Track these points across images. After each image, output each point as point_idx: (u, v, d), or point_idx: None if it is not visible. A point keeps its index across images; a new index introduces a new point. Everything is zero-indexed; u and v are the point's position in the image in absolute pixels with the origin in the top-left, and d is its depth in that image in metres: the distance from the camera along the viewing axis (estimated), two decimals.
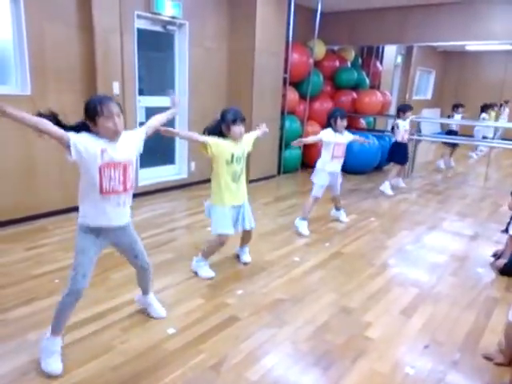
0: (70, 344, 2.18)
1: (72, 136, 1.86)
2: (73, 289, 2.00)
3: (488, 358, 2.22)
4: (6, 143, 3.74)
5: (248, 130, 3.01)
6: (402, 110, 5.69)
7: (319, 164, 4.07)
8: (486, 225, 4.57)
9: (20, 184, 3.90)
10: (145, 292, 2.48)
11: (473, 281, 3.19)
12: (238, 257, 3.37)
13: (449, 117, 8.24)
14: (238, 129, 2.84)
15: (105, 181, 1.94)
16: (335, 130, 3.98)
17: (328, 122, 4.02)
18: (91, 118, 1.91)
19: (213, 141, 2.84)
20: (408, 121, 5.70)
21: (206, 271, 3.05)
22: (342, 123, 3.96)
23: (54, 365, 1.98)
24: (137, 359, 2.10)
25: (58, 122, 1.90)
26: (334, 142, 3.95)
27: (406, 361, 2.19)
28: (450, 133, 7.85)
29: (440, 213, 4.95)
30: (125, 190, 2.02)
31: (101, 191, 1.94)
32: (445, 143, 7.88)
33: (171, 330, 2.35)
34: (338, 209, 4.46)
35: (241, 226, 3.07)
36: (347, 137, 4.12)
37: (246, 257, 3.32)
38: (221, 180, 2.90)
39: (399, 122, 5.63)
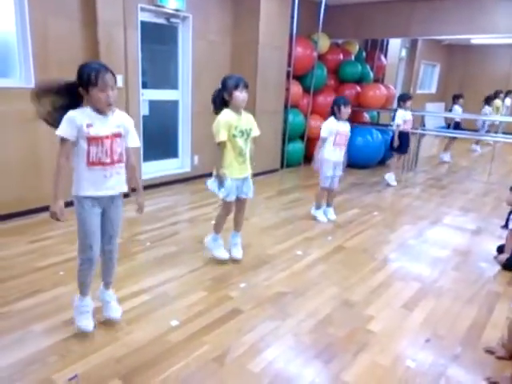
0: (74, 335, 2.20)
1: (62, 132, 1.93)
2: (84, 259, 2.11)
3: (490, 352, 2.23)
4: (10, 137, 3.75)
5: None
6: (402, 99, 5.71)
7: (323, 153, 4.05)
8: (488, 219, 4.57)
9: (24, 177, 3.91)
10: (106, 285, 2.35)
11: (475, 275, 3.20)
12: (229, 251, 3.23)
13: (450, 110, 8.20)
14: (240, 94, 2.79)
15: (91, 153, 1.98)
16: (338, 118, 3.97)
17: (331, 110, 4.01)
18: (84, 86, 1.92)
19: (222, 118, 2.80)
20: (409, 112, 5.69)
21: (220, 252, 3.14)
22: (346, 110, 3.95)
23: (85, 321, 2.17)
24: (141, 351, 2.12)
25: (58, 91, 1.95)
26: (336, 129, 3.95)
27: (407, 354, 2.20)
28: (457, 125, 7.84)
29: (443, 207, 4.95)
30: (112, 162, 2.04)
31: (87, 162, 1.99)
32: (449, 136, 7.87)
33: (174, 322, 2.37)
34: (328, 205, 4.35)
35: (241, 194, 3.07)
36: (347, 125, 4.09)
37: (237, 251, 3.21)
38: (227, 154, 2.89)
39: (399, 110, 5.65)
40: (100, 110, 1.99)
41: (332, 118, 3.99)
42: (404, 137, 5.75)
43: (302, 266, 3.20)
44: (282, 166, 6.55)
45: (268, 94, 5.87)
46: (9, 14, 3.67)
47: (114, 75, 1.99)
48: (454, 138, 7.82)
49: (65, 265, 2.99)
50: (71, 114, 1.95)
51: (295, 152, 6.68)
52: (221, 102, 2.85)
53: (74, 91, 1.97)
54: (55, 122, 1.97)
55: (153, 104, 5.07)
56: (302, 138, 6.76)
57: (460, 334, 2.41)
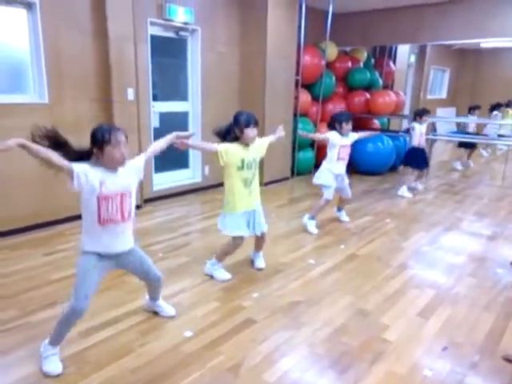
0: (89, 347, 2.22)
1: (75, 167, 1.92)
2: (74, 309, 2.02)
3: (508, 360, 2.18)
4: (24, 152, 3.82)
5: (261, 132, 3.03)
6: (419, 114, 5.59)
7: (325, 164, 4.10)
8: (504, 224, 4.50)
9: (39, 191, 3.98)
10: (154, 299, 2.52)
11: (492, 281, 3.14)
12: (252, 262, 3.37)
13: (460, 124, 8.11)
14: (251, 132, 2.84)
15: (103, 211, 1.99)
16: (341, 134, 4.00)
17: (333, 126, 4.04)
18: (98, 145, 1.95)
19: (223, 147, 2.83)
20: (425, 125, 5.60)
21: (221, 273, 3.08)
22: (348, 127, 3.99)
23: (53, 365, 2.04)
24: (155, 361, 2.13)
25: (57, 143, 1.99)
26: (339, 145, 3.99)
27: (424, 363, 2.17)
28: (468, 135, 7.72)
29: (457, 213, 4.89)
30: (122, 219, 2.06)
31: (99, 221, 2.00)
32: (462, 147, 7.73)
33: (188, 333, 2.38)
34: (339, 209, 4.45)
35: (252, 231, 3.06)
36: (352, 138, 4.13)
37: (260, 262, 3.29)
38: (233, 186, 2.89)
39: (415, 124, 5.54)
40: (112, 168, 2.00)
41: (335, 132, 4.02)
42: (420, 152, 5.64)
43: (315, 275, 3.19)
44: (292, 175, 6.55)
45: (277, 103, 5.90)
46: (22, 30, 3.76)
47: (125, 134, 2.02)
48: (473, 147, 7.71)
49: None
50: (86, 167, 1.95)
51: (305, 160, 6.68)
52: (231, 137, 2.88)
53: (83, 155, 2.00)
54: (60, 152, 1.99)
55: (163, 116, 5.13)
56: (312, 146, 6.77)
57: (477, 341, 2.37)
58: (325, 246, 3.79)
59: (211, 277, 3.08)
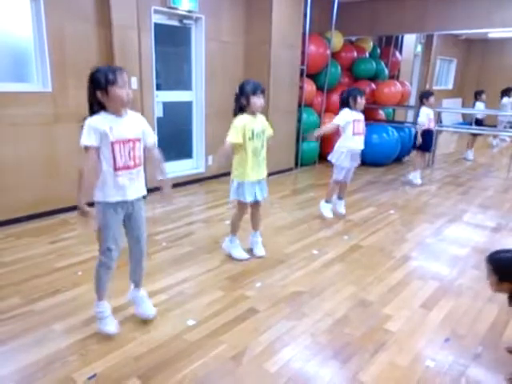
0: (92, 335, 2.24)
1: (86, 141, 1.94)
2: (103, 261, 2.13)
3: (511, 352, 2.18)
4: (29, 140, 3.83)
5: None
6: (425, 96, 5.53)
7: (341, 141, 3.99)
8: (509, 216, 4.47)
9: (43, 179, 3.99)
10: (137, 285, 2.42)
11: None
12: (251, 250, 3.36)
13: (473, 106, 8.00)
14: (258, 100, 2.85)
15: (117, 157, 2.00)
16: (353, 109, 3.90)
17: (345, 102, 3.92)
18: (102, 88, 1.91)
19: (239, 123, 2.85)
20: (431, 109, 5.55)
21: (239, 252, 3.18)
22: (362, 101, 3.89)
23: (109, 326, 2.20)
24: (158, 350, 2.14)
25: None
26: (352, 119, 3.89)
27: (426, 354, 2.17)
28: (477, 122, 7.66)
29: (461, 205, 4.86)
30: (135, 164, 2.07)
31: (114, 168, 2.01)
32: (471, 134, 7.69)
33: (191, 322, 2.39)
34: (340, 198, 4.33)
35: (256, 197, 3.10)
36: (362, 115, 4.03)
37: (259, 249, 3.30)
38: (243, 156, 2.94)
39: (423, 108, 5.49)
40: (117, 111, 2.00)
41: (347, 109, 3.91)
42: (428, 135, 5.60)
43: (318, 266, 3.19)
44: (296, 165, 6.53)
45: (281, 93, 5.86)
46: (26, 18, 3.74)
47: (127, 74, 2.01)
48: (476, 136, 7.64)
49: (83, 265, 3.03)
50: (92, 121, 1.96)
51: (310, 151, 6.65)
52: (238, 106, 2.90)
53: (93, 101, 1.99)
54: None
55: (167, 105, 5.11)
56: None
57: (480, 333, 2.37)
58: (328, 236, 3.79)
59: (229, 255, 3.18)
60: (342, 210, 4.31)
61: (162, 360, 2.07)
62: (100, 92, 1.94)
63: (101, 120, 1.97)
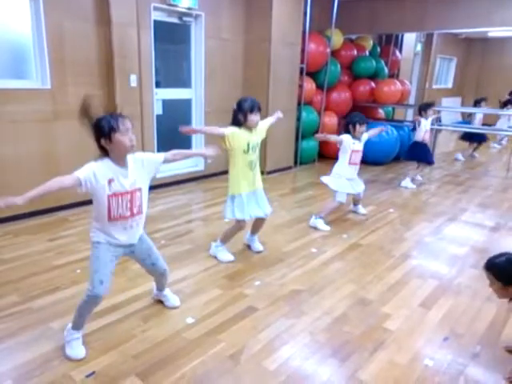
0: (92, 332, 2.23)
1: (81, 174, 1.89)
2: (91, 295, 2.03)
3: (510, 351, 2.18)
4: (27, 137, 3.82)
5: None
6: (424, 108, 5.51)
7: (337, 169, 4.02)
8: (508, 216, 4.47)
9: (41, 176, 3.95)
10: (159, 290, 2.52)
11: None
12: (248, 247, 3.40)
13: (470, 115, 7.94)
14: (254, 118, 2.91)
15: (112, 209, 1.99)
16: (353, 137, 3.93)
17: (346, 128, 3.99)
18: (106, 135, 1.90)
19: (230, 131, 2.91)
20: (430, 120, 5.51)
21: (225, 255, 3.16)
22: (361, 129, 3.93)
23: (76, 350, 2.07)
24: (157, 348, 2.14)
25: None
26: (351, 149, 3.92)
27: (425, 353, 2.17)
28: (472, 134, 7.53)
29: (460, 204, 4.86)
30: (132, 215, 2.05)
31: (108, 218, 2.00)
32: (464, 139, 7.64)
33: (190, 320, 2.38)
34: (356, 204, 4.40)
35: (257, 212, 3.11)
36: (363, 140, 4.05)
37: (258, 245, 3.36)
38: (238, 169, 2.97)
39: (422, 120, 5.46)
40: (120, 159, 1.97)
41: (348, 135, 3.94)
42: (424, 146, 5.57)
43: (317, 264, 3.18)
44: (295, 164, 6.52)
45: (281, 92, 5.84)
46: (25, 16, 3.72)
47: (130, 120, 1.98)
48: (481, 142, 7.62)
49: (81, 263, 3.03)
50: (94, 165, 1.93)
51: (309, 149, 6.65)
52: (236, 122, 2.94)
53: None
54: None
55: (166, 103, 5.09)
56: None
57: (479, 332, 2.37)
58: (327, 235, 3.78)
59: (215, 258, 3.15)
60: (362, 210, 4.37)
61: (160, 358, 2.06)
62: (104, 139, 1.93)
63: (104, 169, 1.93)
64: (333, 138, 4.15)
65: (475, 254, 3.47)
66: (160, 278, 2.42)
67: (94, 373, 1.94)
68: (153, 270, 2.35)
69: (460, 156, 7.67)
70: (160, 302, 2.55)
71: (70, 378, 1.91)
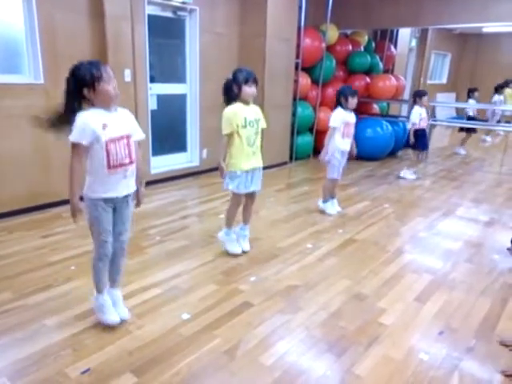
0: (86, 329, 2.22)
1: (74, 138, 1.88)
2: (101, 254, 2.11)
3: (504, 345, 2.20)
4: (20, 132, 3.77)
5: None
6: (418, 95, 5.56)
7: (331, 144, 3.98)
8: (501, 211, 4.50)
9: (34, 172, 3.94)
10: (113, 284, 2.31)
11: (488, 267, 3.15)
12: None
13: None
14: (249, 89, 2.82)
15: (111, 155, 1.95)
16: (345, 109, 3.90)
17: (338, 101, 3.94)
18: (89, 85, 1.85)
19: (228, 119, 2.83)
20: (424, 109, 5.56)
21: (234, 246, 3.17)
22: (353, 101, 3.87)
23: (111, 316, 2.20)
24: (153, 344, 2.13)
25: (61, 115, 1.92)
26: (344, 122, 3.89)
27: (420, 347, 2.18)
28: (469, 119, 7.70)
29: (455, 199, 4.89)
30: (130, 161, 2.05)
31: (108, 167, 1.96)
32: (461, 130, 7.76)
33: (185, 316, 2.38)
34: (333, 197, 4.25)
35: (250, 188, 3.06)
36: (353, 115, 4.00)
37: (246, 244, 3.26)
38: (236, 144, 2.90)
39: (416, 107, 5.51)
40: (107, 107, 1.95)
41: (340, 109, 3.92)
42: (422, 134, 5.63)
43: (312, 259, 3.19)
44: (291, 159, 6.51)
45: (276, 87, 5.82)
46: (17, 9, 3.67)
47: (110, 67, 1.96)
48: (471, 134, 7.70)
49: (76, 260, 3.01)
50: (83, 117, 1.89)
51: (304, 145, 6.64)
52: (230, 94, 2.85)
53: (74, 99, 1.91)
54: (63, 124, 1.94)
55: (161, 98, 5.06)
56: (311, 130, 6.71)
57: (474, 326, 2.38)
58: (322, 230, 3.79)
59: (224, 249, 3.17)
60: (338, 208, 4.27)
61: (156, 354, 2.06)
62: (87, 89, 1.87)
63: (92, 116, 1.90)
64: (328, 136, 3.99)
65: (469, 248, 3.49)
66: (117, 257, 2.22)
67: (89, 369, 1.93)
68: (117, 240, 2.17)
69: (461, 150, 7.73)
70: (157, 298, 2.54)
71: (65, 374, 1.90)
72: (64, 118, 1.92)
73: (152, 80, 4.84)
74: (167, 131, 5.36)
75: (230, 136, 2.90)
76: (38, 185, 3.97)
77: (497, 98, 8.64)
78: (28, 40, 3.77)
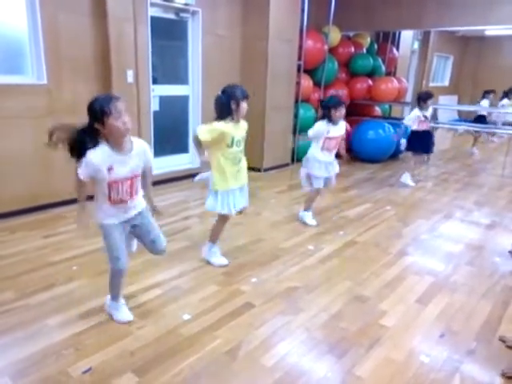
0: (89, 328, 2.23)
1: (82, 175, 1.97)
2: (114, 269, 2.19)
3: (503, 341, 2.21)
4: (22, 133, 3.79)
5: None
6: (423, 98, 5.23)
7: (310, 153, 3.81)
8: (503, 214, 4.49)
9: (36, 173, 3.96)
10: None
11: (490, 270, 3.15)
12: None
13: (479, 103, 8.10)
14: (245, 105, 2.77)
15: (113, 193, 2.04)
16: (330, 121, 3.61)
17: (323, 113, 3.66)
18: (99, 120, 1.89)
19: (213, 129, 2.75)
20: (429, 110, 5.32)
21: (218, 259, 3.07)
22: (338, 113, 3.57)
23: (124, 314, 2.31)
24: (154, 344, 2.14)
25: (74, 140, 1.94)
26: (324, 135, 3.64)
27: (421, 349, 2.18)
28: (479, 118, 7.73)
29: (457, 201, 4.88)
30: (131, 198, 2.12)
31: (109, 201, 2.06)
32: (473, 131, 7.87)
33: (187, 316, 2.38)
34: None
35: (239, 206, 2.97)
36: (342, 127, 3.75)
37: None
38: (222, 164, 2.81)
39: (415, 110, 5.27)
40: (117, 143, 1.96)
41: (323, 122, 3.64)
42: (423, 135, 5.38)
43: (313, 261, 3.19)
44: (292, 161, 6.51)
45: (278, 89, 5.83)
46: (20, 10, 3.69)
47: (124, 102, 1.97)
48: (480, 134, 7.77)
49: (78, 260, 3.02)
50: (91, 157, 1.93)
51: (306, 146, 6.54)
52: (227, 110, 2.76)
53: (90, 131, 1.95)
54: (73, 152, 1.97)
55: (163, 99, 5.07)
56: None
57: (475, 329, 2.38)
58: (324, 232, 3.79)
59: (208, 262, 3.07)
60: (310, 221, 3.97)
61: (157, 354, 2.06)
62: (97, 124, 1.92)
63: (99, 156, 1.93)
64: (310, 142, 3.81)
65: (471, 251, 3.49)
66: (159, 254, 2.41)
67: (90, 369, 1.94)
68: (153, 248, 2.35)
69: (475, 150, 7.85)
70: (158, 298, 2.55)
71: (67, 374, 1.91)
72: (74, 146, 1.96)
73: (154, 81, 4.86)
74: (169, 132, 5.37)
75: (215, 154, 2.82)
76: (40, 185, 3.98)
77: (506, 101, 8.62)
78: (31, 41, 3.79)
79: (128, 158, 2.01)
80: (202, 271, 2.96)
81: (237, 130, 2.81)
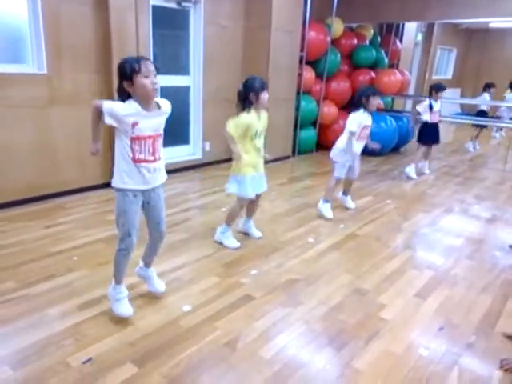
0: (87, 319, 2.24)
1: (105, 104, 1.93)
2: (123, 247, 2.15)
3: (506, 336, 2.22)
4: (23, 123, 3.78)
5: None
6: (436, 89, 5.41)
7: (340, 143, 3.83)
8: (504, 208, 4.49)
9: (37, 163, 3.95)
10: (147, 265, 2.46)
11: (490, 264, 3.15)
12: (245, 234, 3.42)
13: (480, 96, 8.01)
14: (265, 96, 2.89)
15: (136, 151, 2.02)
16: (366, 110, 3.72)
17: (359, 102, 3.72)
18: (128, 77, 1.92)
19: (241, 125, 2.88)
20: (439, 102, 5.48)
21: (231, 241, 3.19)
22: (375, 101, 3.71)
23: (124, 308, 2.22)
24: (153, 335, 2.14)
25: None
26: (363, 125, 3.73)
27: (420, 342, 2.19)
28: (480, 113, 7.65)
29: (458, 195, 4.87)
30: (154, 160, 2.09)
31: (133, 160, 2.03)
32: (473, 125, 7.74)
33: (187, 308, 2.39)
34: (345, 193, 4.22)
35: (258, 190, 3.18)
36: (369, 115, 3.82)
37: (256, 231, 3.41)
38: (248, 153, 2.98)
39: (426, 100, 5.43)
40: (145, 102, 1.98)
41: (361, 111, 3.71)
42: (431, 127, 5.51)
43: (313, 254, 3.19)
44: (293, 153, 6.50)
45: (280, 80, 5.80)
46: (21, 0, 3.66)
47: (154, 64, 2.01)
48: (482, 129, 7.69)
49: (78, 250, 3.02)
50: (118, 108, 1.94)
51: (307, 139, 6.62)
52: (248, 102, 2.89)
53: (120, 93, 1.99)
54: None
55: (164, 90, 4.99)
56: (314, 124, 6.69)
57: (474, 322, 2.38)
58: (324, 225, 3.79)
59: (221, 244, 3.18)
60: (351, 204, 4.21)
61: (156, 345, 2.07)
62: (126, 82, 1.94)
63: (128, 109, 1.95)
64: (344, 139, 3.82)
65: (471, 245, 3.49)
66: (155, 244, 2.37)
67: (90, 359, 1.95)
68: (155, 230, 2.31)
69: (471, 147, 7.80)
70: (150, 292, 2.55)
71: (67, 364, 1.92)
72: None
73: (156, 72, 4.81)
74: (170, 124, 5.22)
75: (240, 143, 2.96)
76: (40, 175, 3.97)
77: (509, 93, 8.56)
78: (32, 30, 3.75)
79: (154, 115, 2.03)
80: (202, 263, 2.96)
81: (259, 121, 2.96)
